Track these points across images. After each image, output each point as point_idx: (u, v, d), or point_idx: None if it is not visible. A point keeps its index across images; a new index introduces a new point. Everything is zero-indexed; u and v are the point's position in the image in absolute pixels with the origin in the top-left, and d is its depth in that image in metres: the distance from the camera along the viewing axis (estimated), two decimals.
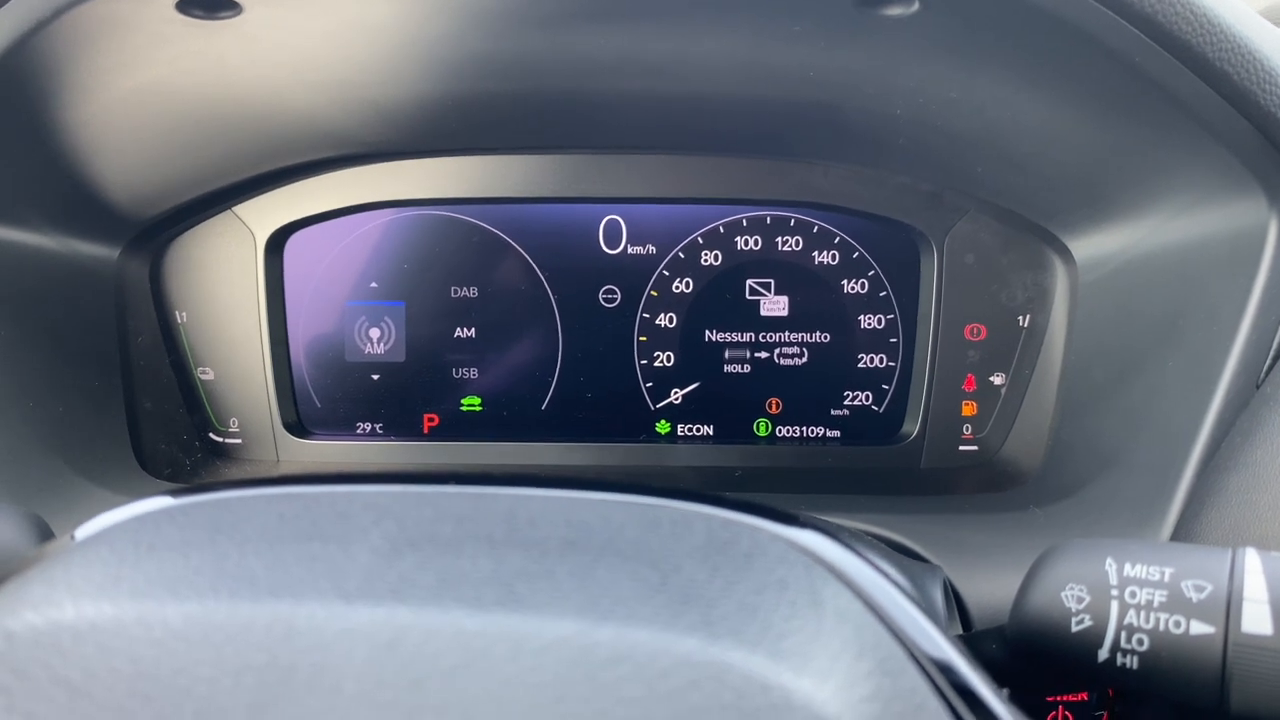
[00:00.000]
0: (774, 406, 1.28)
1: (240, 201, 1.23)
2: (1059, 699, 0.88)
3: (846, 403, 1.27)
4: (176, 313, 1.25)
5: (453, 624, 0.37)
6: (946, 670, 0.43)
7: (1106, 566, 0.60)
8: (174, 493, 0.50)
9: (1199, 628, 0.56)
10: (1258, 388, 0.87)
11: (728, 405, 1.28)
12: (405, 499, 0.45)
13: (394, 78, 0.98)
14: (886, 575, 0.47)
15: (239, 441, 1.28)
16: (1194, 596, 0.57)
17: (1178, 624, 0.56)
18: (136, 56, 0.89)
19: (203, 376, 1.26)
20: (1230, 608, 0.55)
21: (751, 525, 0.46)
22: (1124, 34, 0.77)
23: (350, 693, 0.36)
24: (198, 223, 1.24)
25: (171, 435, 1.23)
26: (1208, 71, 0.79)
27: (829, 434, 1.28)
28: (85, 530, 0.49)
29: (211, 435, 1.28)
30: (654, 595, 0.39)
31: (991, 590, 0.87)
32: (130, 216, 1.15)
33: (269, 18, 0.85)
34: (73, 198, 1.06)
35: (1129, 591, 0.58)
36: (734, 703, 0.37)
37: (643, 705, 0.36)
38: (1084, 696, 0.89)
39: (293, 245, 1.26)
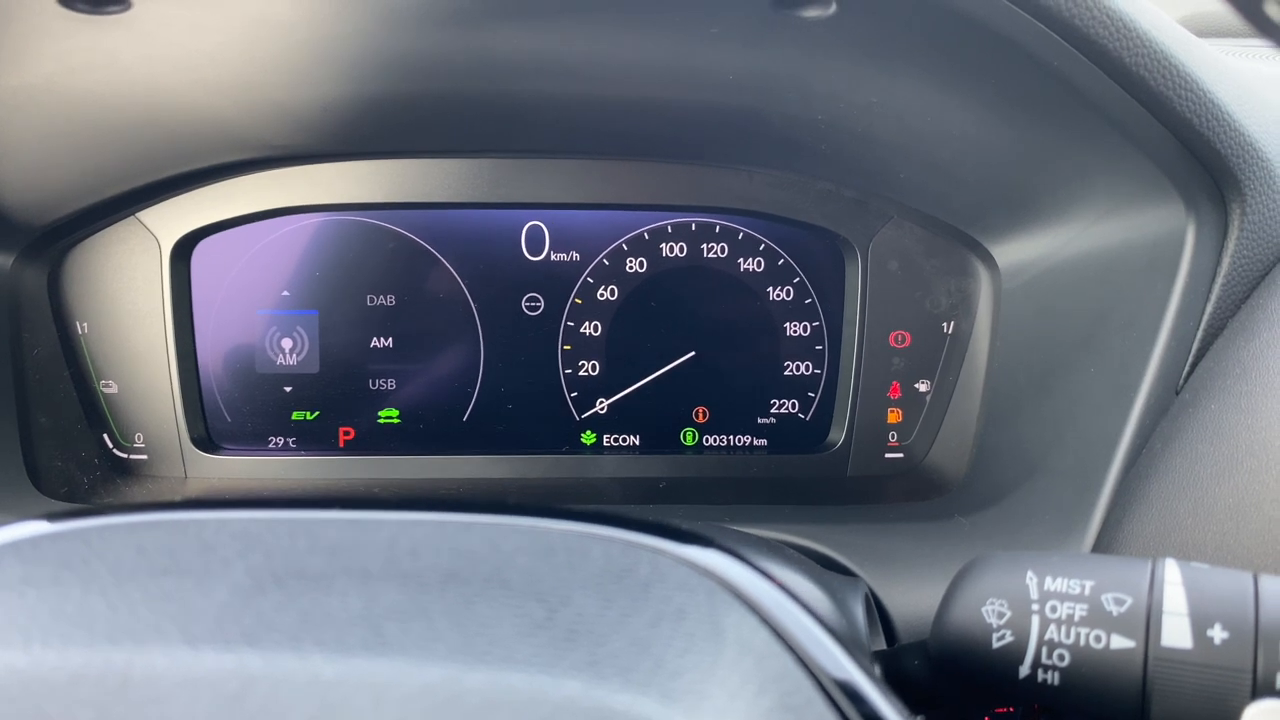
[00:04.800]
0: (701, 415, 1.26)
1: (144, 207, 1.18)
2: (997, 712, 0.87)
3: (773, 411, 1.25)
4: (77, 323, 1.19)
5: (309, 672, 0.33)
6: (856, 699, 0.41)
7: (1027, 580, 0.59)
8: (29, 521, 0.46)
9: (1119, 642, 0.55)
10: (1177, 394, 0.87)
11: (654, 415, 1.26)
12: (279, 527, 0.42)
13: (302, 79, 0.94)
14: (795, 597, 0.45)
15: (144, 458, 1.22)
16: (1114, 610, 0.56)
17: (1098, 638, 0.56)
18: (20, 51, 0.84)
19: (105, 390, 1.21)
20: (1150, 621, 0.55)
21: (653, 549, 0.44)
22: (1041, 37, 0.76)
23: None
24: (99, 229, 1.18)
25: (69, 452, 1.17)
26: (1124, 77, 0.79)
27: (756, 443, 1.26)
28: None
29: (115, 451, 1.22)
30: (536, 632, 0.36)
31: (916, 601, 0.86)
32: (24, 222, 1.09)
33: (162, 14, 0.81)
34: None
35: (1050, 606, 0.57)
36: None
37: None
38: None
39: (200, 252, 1.20)
